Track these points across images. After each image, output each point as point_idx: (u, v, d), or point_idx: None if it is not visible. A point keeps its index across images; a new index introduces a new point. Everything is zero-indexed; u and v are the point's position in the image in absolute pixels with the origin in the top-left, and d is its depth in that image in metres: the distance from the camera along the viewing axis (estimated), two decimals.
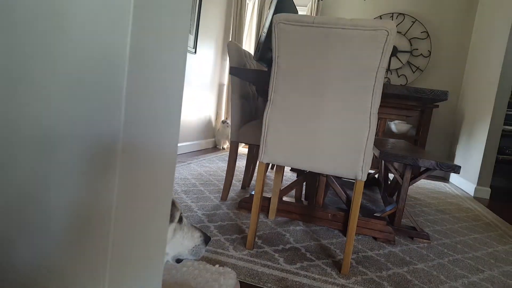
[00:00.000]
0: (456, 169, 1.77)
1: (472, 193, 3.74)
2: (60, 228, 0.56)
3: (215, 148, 4.72)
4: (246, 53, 2.45)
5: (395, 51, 4.77)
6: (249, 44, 4.99)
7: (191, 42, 3.73)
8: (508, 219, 2.87)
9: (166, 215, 0.71)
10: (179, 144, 3.84)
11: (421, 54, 4.72)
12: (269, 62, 1.94)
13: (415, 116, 4.79)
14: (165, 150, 0.67)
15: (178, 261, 1.00)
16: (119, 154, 0.54)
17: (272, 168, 3.55)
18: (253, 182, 2.89)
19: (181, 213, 1.00)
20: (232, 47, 2.20)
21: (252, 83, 2.23)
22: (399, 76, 4.80)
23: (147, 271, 0.68)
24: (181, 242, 0.98)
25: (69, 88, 0.54)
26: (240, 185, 2.76)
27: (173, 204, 0.97)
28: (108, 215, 0.55)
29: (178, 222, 0.99)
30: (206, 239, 1.03)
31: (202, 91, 4.23)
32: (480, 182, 3.70)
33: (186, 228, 1.00)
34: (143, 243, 0.65)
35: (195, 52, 3.86)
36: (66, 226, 0.55)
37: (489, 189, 3.68)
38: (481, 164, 3.68)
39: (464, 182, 4.02)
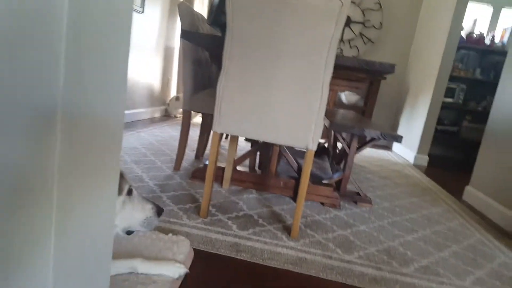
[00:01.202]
0: (398, 139, 1.88)
1: (412, 161, 4.02)
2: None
3: (167, 116, 4.62)
4: (198, 16, 2.36)
5: (348, 22, 4.84)
6: (201, 5, 4.80)
7: (138, 0, 3.52)
8: (442, 184, 3.14)
9: (114, 184, 0.70)
10: (127, 112, 3.71)
11: (373, 25, 4.84)
12: (223, 27, 1.90)
13: (364, 87, 4.97)
14: (111, 116, 0.64)
15: (129, 233, 1.00)
16: (59, 120, 0.51)
17: (226, 137, 3.55)
18: (207, 152, 2.88)
19: (130, 186, 0.99)
20: (183, 9, 2.11)
21: (205, 49, 2.17)
22: (351, 47, 4.91)
23: (96, 242, 0.68)
24: (131, 215, 0.98)
25: None
26: (194, 155, 2.74)
27: (122, 176, 0.96)
28: (51, 183, 0.53)
29: (127, 195, 0.98)
30: (159, 211, 1.03)
31: (152, 54, 4.06)
32: (419, 151, 3.97)
33: (136, 200, 1.00)
34: (89, 213, 0.64)
35: (143, 11, 3.65)
36: (5, 195, 0.53)
37: (427, 157, 3.97)
38: (422, 134, 3.94)
39: (406, 150, 4.30)
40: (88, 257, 0.65)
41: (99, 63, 0.58)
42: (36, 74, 0.50)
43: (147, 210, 1.01)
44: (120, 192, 0.96)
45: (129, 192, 1.00)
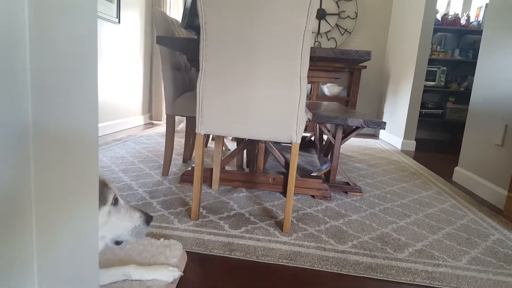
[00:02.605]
0: (382, 125, 1.90)
1: (399, 147, 4.05)
2: None
3: (152, 123, 4.58)
4: (173, 21, 2.35)
5: (323, 14, 4.87)
6: (176, 11, 4.79)
7: (113, 11, 3.49)
8: (431, 167, 3.17)
9: (94, 197, 0.69)
10: (111, 122, 3.68)
11: (348, 16, 4.87)
12: (197, 30, 1.89)
13: (345, 78, 5.00)
14: (83, 129, 0.63)
15: (118, 243, 0.99)
16: (31, 139, 0.51)
17: (213, 139, 3.54)
18: (194, 155, 2.87)
19: (115, 195, 0.97)
20: (157, 15, 2.11)
21: (182, 53, 2.16)
22: (329, 39, 4.94)
23: (80, 257, 0.67)
24: (118, 224, 0.96)
25: None
26: (181, 159, 2.73)
27: (106, 186, 0.94)
28: (29, 203, 0.52)
29: (113, 205, 0.97)
30: (148, 219, 1.02)
31: (132, 63, 4.03)
32: (406, 136, 4.01)
33: (123, 210, 0.98)
34: (71, 228, 0.63)
35: (119, 21, 3.62)
36: None
37: (414, 142, 4.01)
38: (406, 119, 3.97)
39: (392, 137, 4.33)
40: (73, 272, 0.64)
41: (65, 78, 0.57)
42: (5, 94, 0.49)
43: (135, 219, 0.99)
44: (105, 202, 0.94)
45: (115, 202, 0.98)
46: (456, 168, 2.78)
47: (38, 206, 0.54)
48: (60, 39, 0.56)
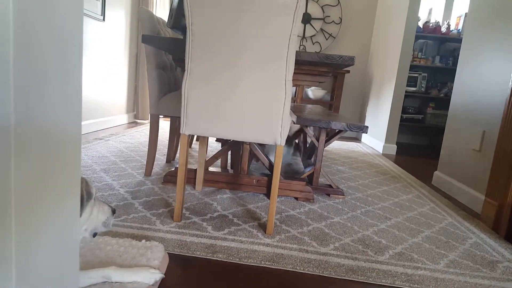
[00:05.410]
0: (364, 129, 1.93)
1: (381, 151, 4.12)
2: None
3: (136, 122, 4.53)
4: (159, 20, 2.34)
5: (309, 19, 4.91)
6: (163, 10, 4.75)
7: (98, 8, 3.43)
8: (411, 171, 3.23)
9: (76, 196, 0.69)
10: (93, 121, 3.61)
11: (333, 21, 4.93)
12: (184, 30, 1.88)
13: (329, 82, 5.05)
14: (67, 128, 0.62)
15: (94, 235, 1.04)
16: (12, 137, 0.50)
17: (197, 139, 3.52)
18: (178, 155, 2.85)
19: (95, 189, 1.03)
20: (143, 14, 2.09)
21: (168, 52, 2.15)
22: (313, 44, 4.98)
23: (61, 255, 0.66)
24: (97, 217, 1.02)
25: None
26: (165, 159, 2.70)
27: (87, 182, 0.98)
28: (8, 202, 0.51)
29: (94, 199, 1.02)
30: (114, 210, 1.10)
31: (116, 62, 3.97)
32: (387, 140, 4.07)
33: (97, 203, 1.04)
34: (52, 230, 0.62)
35: (104, 19, 3.57)
36: None
37: (395, 146, 4.08)
38: (388, 123, 4.04)
39: (374, 141, 4.40)
40: (53, 273, 0.63)
41: (49, 75, 0.56)
42: None
43: (106, 211, 1.06)
44: (90, 196, 0.99)
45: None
46: (435, 172, 2.85)
47: (18, 205, 0.52)
48: (45, 35, 0.55)
